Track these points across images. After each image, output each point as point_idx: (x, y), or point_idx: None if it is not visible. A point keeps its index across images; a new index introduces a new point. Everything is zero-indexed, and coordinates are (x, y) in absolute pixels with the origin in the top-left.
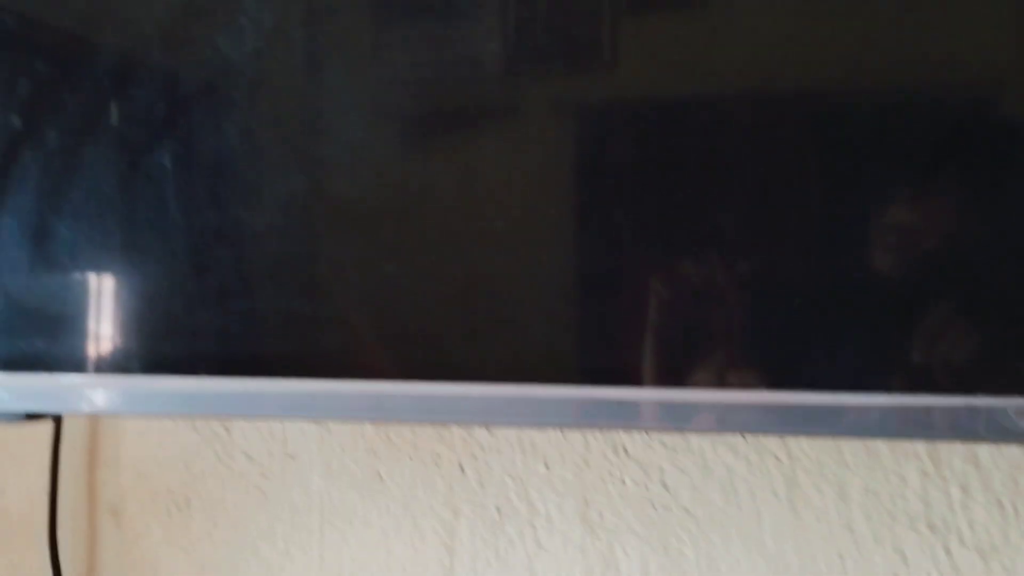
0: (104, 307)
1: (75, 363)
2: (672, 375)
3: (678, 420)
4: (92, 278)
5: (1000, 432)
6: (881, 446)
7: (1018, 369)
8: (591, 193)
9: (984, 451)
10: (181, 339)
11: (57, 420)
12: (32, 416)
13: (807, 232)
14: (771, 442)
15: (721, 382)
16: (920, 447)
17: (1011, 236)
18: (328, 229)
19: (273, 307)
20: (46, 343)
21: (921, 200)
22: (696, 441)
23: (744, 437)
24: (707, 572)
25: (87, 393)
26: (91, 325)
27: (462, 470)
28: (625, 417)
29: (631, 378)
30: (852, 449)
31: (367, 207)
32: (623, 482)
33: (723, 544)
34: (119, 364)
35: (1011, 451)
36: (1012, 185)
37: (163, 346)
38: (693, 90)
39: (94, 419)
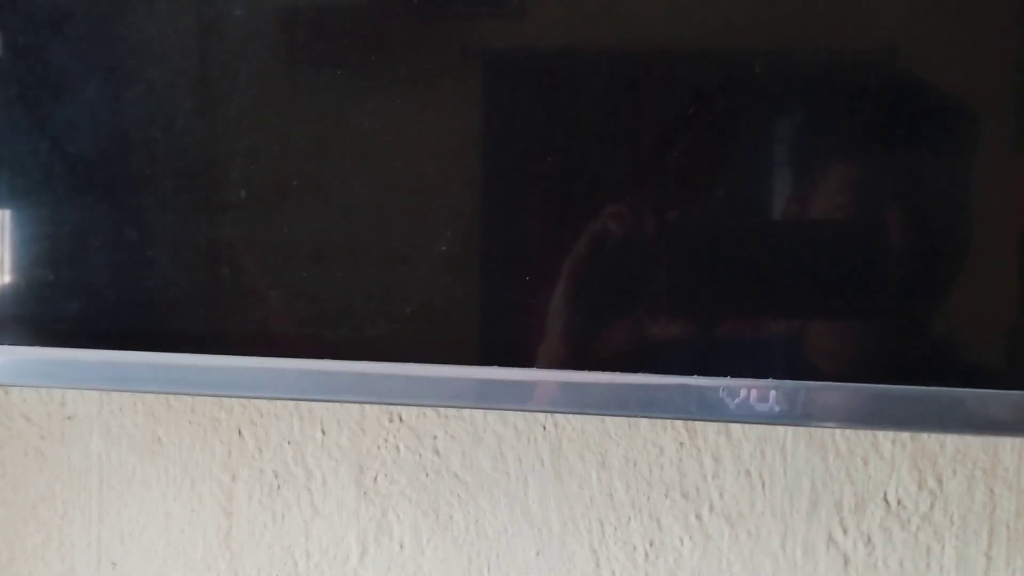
0: None
1: None
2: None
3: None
4: None
5: (710, 410)
6: (642, 419)
7: (729, 351)
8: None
9: (735, 424)
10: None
11: None
12: None
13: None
14: (539, 412)
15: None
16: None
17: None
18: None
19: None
20: None
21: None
22: (468, 410)
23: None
24: (475, 536)
25: None
26: None
27: (240, 435)
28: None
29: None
30: (614, 420)
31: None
32: (397, 448)
33: (491, 509)
34: None
35: (759, 425)
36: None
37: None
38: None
39: None
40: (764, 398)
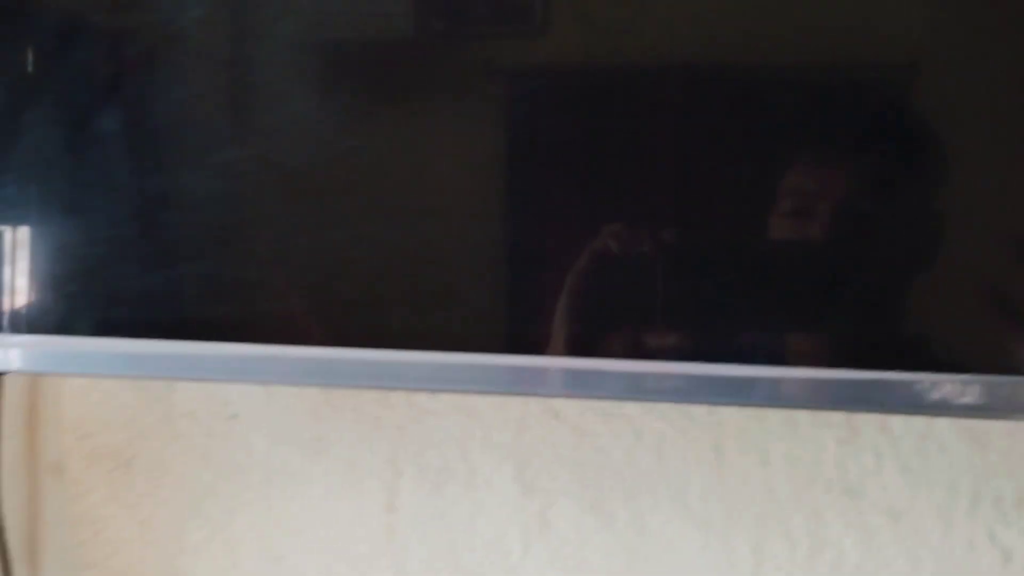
0: (52, 269)
1: (24, 324)
2: (597, 344)
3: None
4: (38, 240)
5: (909, 405)
6: (801, 415)
7: (926, 346)
8: (520, 162)
9: (895, 421)
10: (127, 302)
11: None
12: None
13: (731, 203)
14: (700, 410)
15: (638, 352)
16: (838, 417)
17: (921, 211)
18: (268, 196)
19: (216, 272)
20: None
21: (840, 172)
22: (629, 408)
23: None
24: (636, 531)
25: (34, 353)
26: (40, 287)
27: (404, 433)
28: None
29: (559, 347)
30: (775, 417)
31: (306, 174)
32: (558, 445)
33: (652, 505)
34: (68, 326)
35: (919, 421)
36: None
37: (110, 308)
38: (623, 58)
39: (34, 378)
40: (964, 392)
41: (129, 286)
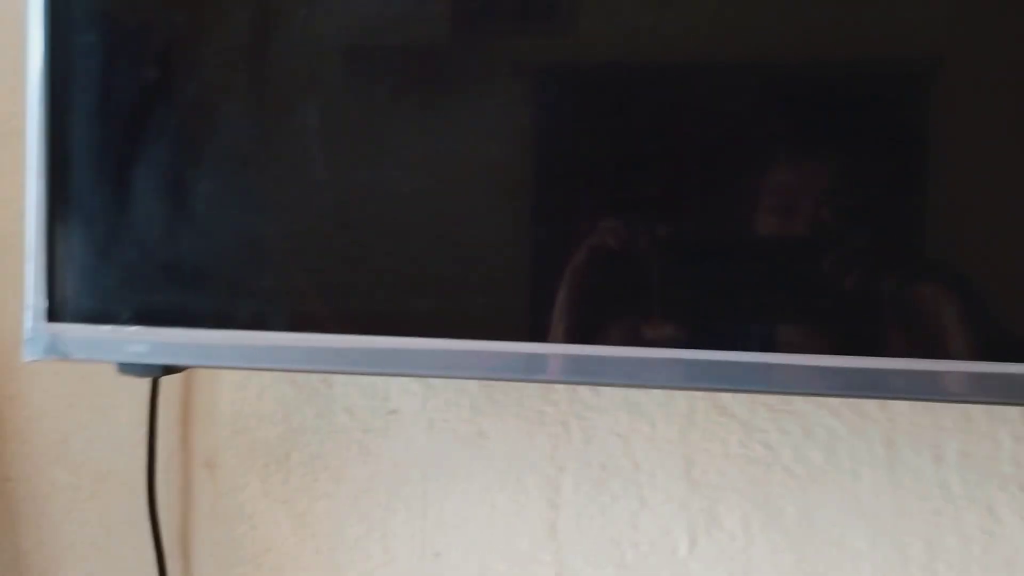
0: (235, 264)
1: (210, 318)
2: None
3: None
4: (226, 236)
5: None
6: (977, 411)
7: None
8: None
9: None
10: (311, 297)
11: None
12: (169, 370)
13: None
14: (870, 405)
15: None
16: (1013, 412)
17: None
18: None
19: (379, 268)
20: (183, 297)
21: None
22: (798, 404)
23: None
24: (806, 527)
25: (220, 347)
26: (224, 281)
27: (567, 428)
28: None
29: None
30: (949, 413)
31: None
32: (726, 442)
33: (822, 501)
34: (252, 320)
35: None
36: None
37: (293, 303)
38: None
39: (189, 372)
40: None
41: (310, 283)
